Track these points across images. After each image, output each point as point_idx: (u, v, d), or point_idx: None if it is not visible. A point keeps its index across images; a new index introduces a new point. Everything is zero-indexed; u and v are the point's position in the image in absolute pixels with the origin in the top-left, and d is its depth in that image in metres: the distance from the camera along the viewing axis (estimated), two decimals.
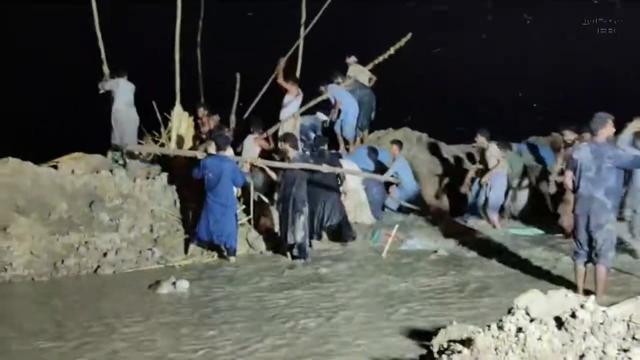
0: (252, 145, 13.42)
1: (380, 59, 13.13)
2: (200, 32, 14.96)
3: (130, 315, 8.48)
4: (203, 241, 11.55)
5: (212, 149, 11.76)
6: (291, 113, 13.88)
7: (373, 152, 14.36)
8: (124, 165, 12.93)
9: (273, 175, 11.85)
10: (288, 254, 11.50)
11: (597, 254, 8.42)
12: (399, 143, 14.38)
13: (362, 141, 15.45)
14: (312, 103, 13.69)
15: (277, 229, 12.09)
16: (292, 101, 14.11)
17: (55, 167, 12.44)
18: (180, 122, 13.43)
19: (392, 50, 12.96)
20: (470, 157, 15.35)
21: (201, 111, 14.17)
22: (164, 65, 13.32)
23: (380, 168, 14.18)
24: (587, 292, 7.86)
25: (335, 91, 14.46)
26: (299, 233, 11.30)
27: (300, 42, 14.89)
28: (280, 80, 14.13)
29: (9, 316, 8.65)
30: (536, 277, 9.68)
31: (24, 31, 17.73)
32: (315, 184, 12.02)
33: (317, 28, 14.70)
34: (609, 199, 8.37)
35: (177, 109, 13.37)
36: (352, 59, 15.48)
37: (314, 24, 14.72)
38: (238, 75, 14.45)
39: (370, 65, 13.87)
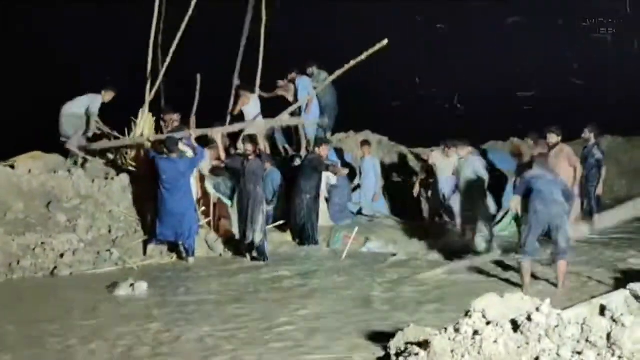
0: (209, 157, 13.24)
1: (352, 63, 12.91)
2: (162, 34, 14.79)
3: (84, 318, 8.40)
4: (165, 241, 11.51)
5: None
6: (261, 122, 13.93)
7: (339, 153, 14.47)
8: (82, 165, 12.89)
9: (223, 154, 11.93)
10: (247, 255, 11.48)
11: (558, 251, 9.03)
12: (368, 144, 14.48)
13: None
14: (297, 104, 13.69)
15: (235, 230, 12.06)
16: (252, 110, 14.10)
17: (12, 166, 12.25)
18: (145, 124, 13.20)
19: (364, 56, 12.74)
20: None
21: (168, 113, 14.07)
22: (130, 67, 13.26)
23: (349, 169, 14.35)
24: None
25: (307, 86, 14.53)
26: (258, 234, 11.29)
27: (261, 42, 14.79)
28: (236, 109, 14.24)
29: None
30: (494, 279, 9.78)
31: None
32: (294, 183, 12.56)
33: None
34: (565, 201, 9.06)
35: (145, 111, 13.15)
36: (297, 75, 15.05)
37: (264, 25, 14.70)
38: (199, 77, 14.33)
39: (340, 72, 13.60)
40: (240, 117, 14.34)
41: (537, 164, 9.44)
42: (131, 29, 12.88)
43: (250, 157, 11.61)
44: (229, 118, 14.53)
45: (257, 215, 11.35)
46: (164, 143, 11.55)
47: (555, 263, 9.22)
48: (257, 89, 14.83)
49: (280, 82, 15.13)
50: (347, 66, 12.63)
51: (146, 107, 13.14)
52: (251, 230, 11.32)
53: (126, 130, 13.41)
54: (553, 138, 12.09)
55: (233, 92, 14.78)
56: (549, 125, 12.28)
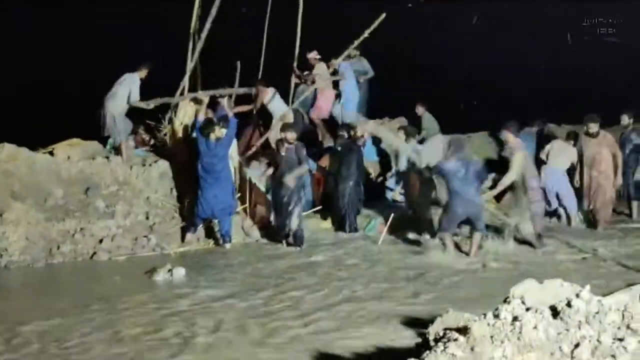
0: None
1: (356, 43, 12.89)
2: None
3: (125, 301, 8.52)
4: (204, 219, 11.65)
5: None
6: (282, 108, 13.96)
7: (377, 140, 14.43)
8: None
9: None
10: (283, 241, 11.54)
11: (477, 228, 10.46)
12: (405, 129, 14.38)
13: None
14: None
15: (272, 217, 12.11)
16: (275, 102, 14.03)
17: (51, 153, 12.41)
18: (185, 112, 13.14)
19: (366, 33, 12.73)
20: None
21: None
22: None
23: (385, 155, 14.33)
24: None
25: (346, 70, 14.63)
26: (294, 221, 11.35)
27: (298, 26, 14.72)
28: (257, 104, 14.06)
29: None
30: (532, 265, 9.72)
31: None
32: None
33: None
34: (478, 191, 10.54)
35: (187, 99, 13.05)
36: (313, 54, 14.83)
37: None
38: (238, 64, 14.35)
39: (346, 53, 13.68)
40: (264, 112, 14.21)
41: (453, 152, 10.39)
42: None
43: (287, 146, 11.64)
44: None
45: (293, 201, 11.40)
46: (203, 127, 11.47)
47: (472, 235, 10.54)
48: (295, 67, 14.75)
49: (310, 55, 14.76)
50: (351, 46, 12.79)
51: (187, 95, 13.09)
52: (287, 216, 11.38)
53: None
54: (593, 127, 12.06)
55: (253, 90, 14.54)
56: (588, 113, 12.27)
